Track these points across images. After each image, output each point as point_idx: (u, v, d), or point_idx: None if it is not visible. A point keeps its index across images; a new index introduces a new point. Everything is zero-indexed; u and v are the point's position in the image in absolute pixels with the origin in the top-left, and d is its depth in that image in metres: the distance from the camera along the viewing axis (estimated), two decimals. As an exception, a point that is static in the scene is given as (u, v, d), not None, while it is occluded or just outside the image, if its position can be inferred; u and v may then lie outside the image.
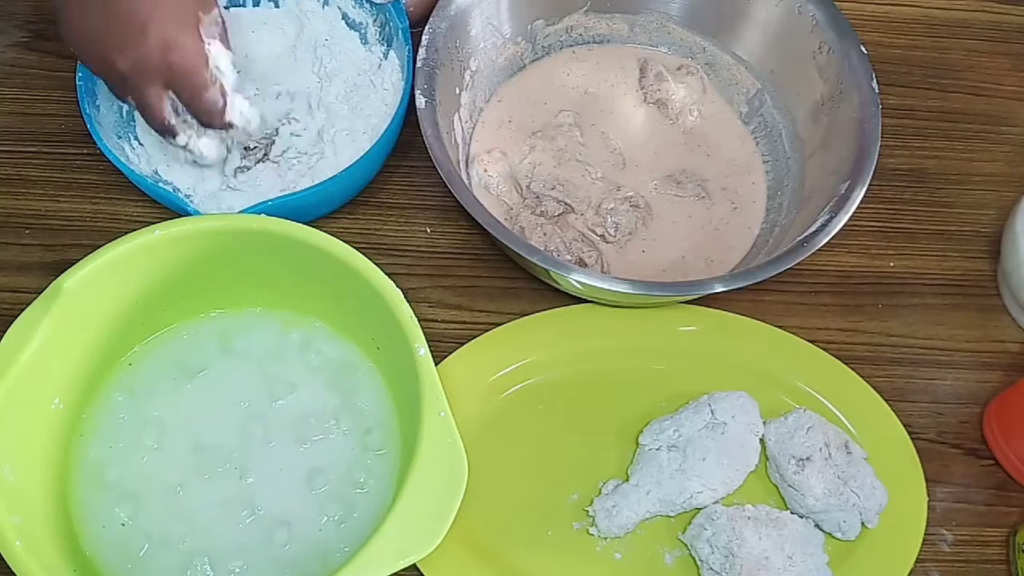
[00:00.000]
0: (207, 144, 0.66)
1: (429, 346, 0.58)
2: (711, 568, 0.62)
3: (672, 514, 0.65)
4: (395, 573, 0.54)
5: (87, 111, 0.67)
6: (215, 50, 0.64)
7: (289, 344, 0.66)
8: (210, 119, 0.64)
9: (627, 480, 0.65)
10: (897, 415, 0.68)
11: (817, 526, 0.65)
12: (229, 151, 0.69)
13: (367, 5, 0.75)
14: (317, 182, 0.68)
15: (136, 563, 0.60)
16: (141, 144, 0.71)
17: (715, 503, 0.65)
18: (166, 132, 0.64)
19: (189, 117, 0.64)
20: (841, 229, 0.65)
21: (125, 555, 0.60)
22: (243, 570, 0.60)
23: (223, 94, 0.64)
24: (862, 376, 0.70)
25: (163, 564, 0.60)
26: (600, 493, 0.65)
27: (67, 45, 0.64)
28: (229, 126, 0.65)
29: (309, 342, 0.66)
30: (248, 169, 0.70)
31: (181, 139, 0.65)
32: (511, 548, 0.64)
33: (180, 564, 0.60)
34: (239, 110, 0.65)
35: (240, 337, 0.66)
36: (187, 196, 0.69)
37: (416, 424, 0.56)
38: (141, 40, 0.60)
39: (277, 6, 0.77)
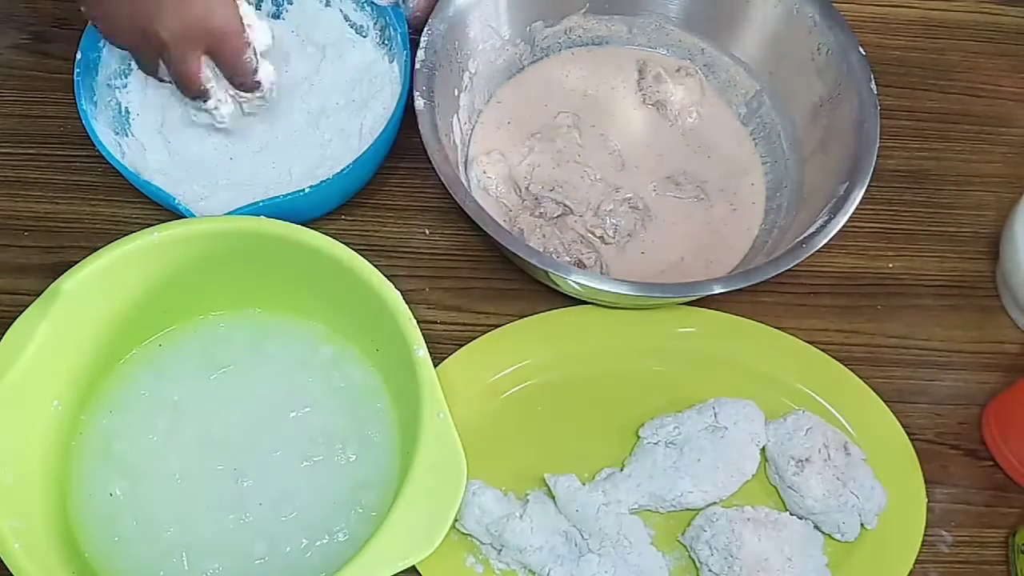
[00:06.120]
0: (228, 108, 0.68)
1: (428, 348, 0.58)
2: (710, 570, 0.62)
3: (661, 510, 0.65)
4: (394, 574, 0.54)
5: (83, 107, 0.67)
6: (248, 10, 0.66)
7: (318, 359, 0.66)
8: (244, 80, 0.66)
9: (622, 469, 0.66)
10: (896, 416, 0.68)
11: (816, 527, 0.65)
12: (243, 114, 0.71)
13: (368, 8, 0.75)
14: (315, 183, 0.68)
15: (120, 539, 0.60)
16: (137, 140, 0.71)
17: (714, 505, 0.65)
18: (200, 96, 0.66)
19: (216, 83, 0.66)
20: (840, 230, 0.65)
21: (110, 529, 0.61)
22: (217, 572, 0.60)
23: (256, 55, 0.66)
24: (861, 377, 0.70)
25: (144, 548, 0.60)
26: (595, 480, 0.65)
27: (92, 19, 0.65)
28: (258, 86, 0.67)
29: (338, 362, 0.66)
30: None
31: (211, 103, 0.67)
32: (510, 550, 0.64)
33: (159, 552, 0.60)
34: (265, 73, 0.67)
35: (272, 341, 0.66)
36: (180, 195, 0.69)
37: (415, 426, 0.56)
38: (182, 7, 0.62)
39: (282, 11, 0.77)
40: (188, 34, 0.62)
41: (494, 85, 0.77)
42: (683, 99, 0.77)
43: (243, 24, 0.65)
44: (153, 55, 0.64)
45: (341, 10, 0.76)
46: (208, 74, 0.65)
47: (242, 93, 0.67)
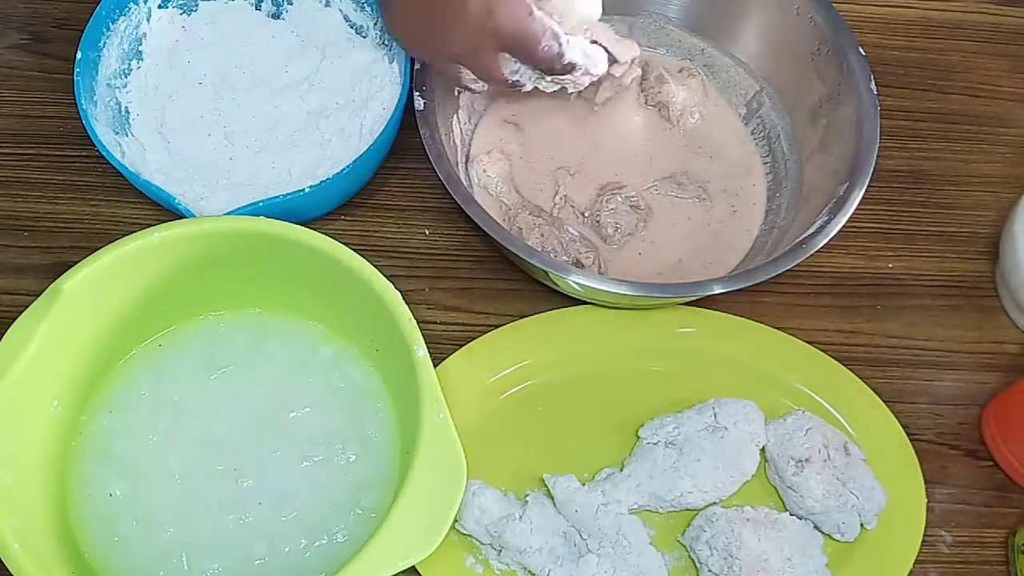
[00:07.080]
0: (549, 85, 0.67)
1: (428, 348, 0.58)
2: (710, 570, 0.62)
3: (661, 510, 0.65)
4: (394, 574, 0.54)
5: (83, 107, 0.67)
6: None
7: (318, 359, 0.66)
8: (551, 67, 0.64)
9: (622, 469, 0.66)
10: (896, 416, 0.68)
11: (816, 528, 0.65)
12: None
13: (368, 8, 0.75)
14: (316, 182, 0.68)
15: (120, 539, 0.60)
16: (137, 140, 0.71)
17: (713, 505, 0.65)
18: (514, 88, 0.65)
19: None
20: (840, 230, 0.65)
21: (110, 529, 0.61)
22: (216, 572, 0.60)
23: (557, 39, 0.62)
24: (861, 377, 0.70)
25: (144, 548, 0.60)
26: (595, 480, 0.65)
27: (395, 39, 0.68)
28: (571, 67, 0.64)
29: (338, 362, 0.66)
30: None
31: (528, 87, 0.66)
32: (510, 550, 0.64)
33: (159, 552, 0.60)
34: (580, 50, 0.64)
35: (271, 341, 0.66)
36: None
37: (415, 426, 0.56)
38: (462, 15, 0.60)
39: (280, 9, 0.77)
40: (474, 41, 0.62)
41: (494, 85, 0.77)
42: (685, 100, 0.77)
43: (530, 10, 0.61)
44: (453, 67, 0.65)
45: (341, 10, 0.76)
46: (513, 67, 0.64)
47: (559, 77, 0.64)
